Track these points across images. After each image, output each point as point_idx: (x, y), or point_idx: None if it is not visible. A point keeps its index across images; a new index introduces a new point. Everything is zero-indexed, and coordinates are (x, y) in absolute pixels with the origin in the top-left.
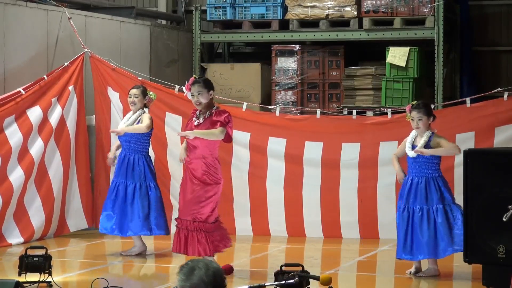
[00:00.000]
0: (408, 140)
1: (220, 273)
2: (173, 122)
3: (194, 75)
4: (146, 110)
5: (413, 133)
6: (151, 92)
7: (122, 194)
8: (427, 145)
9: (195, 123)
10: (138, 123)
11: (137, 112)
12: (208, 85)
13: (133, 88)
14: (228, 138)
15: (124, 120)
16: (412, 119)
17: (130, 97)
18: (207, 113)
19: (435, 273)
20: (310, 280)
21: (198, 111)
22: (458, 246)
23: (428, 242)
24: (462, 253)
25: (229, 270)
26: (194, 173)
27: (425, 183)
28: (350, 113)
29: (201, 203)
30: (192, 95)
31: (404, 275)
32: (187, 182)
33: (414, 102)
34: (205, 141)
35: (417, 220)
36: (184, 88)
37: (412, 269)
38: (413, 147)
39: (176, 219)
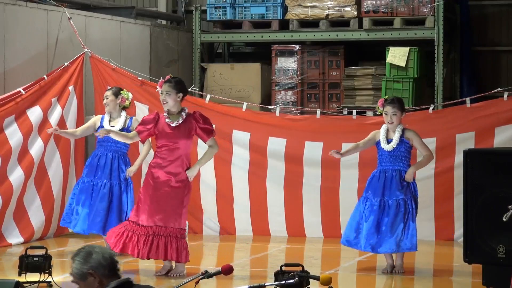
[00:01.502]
0: (381, 134)
1: (115, 257)
2: None
3: (170, 74)
4: (124, 112)
5: (384, 127)
6: (125, 92)
7: (108, 193)
8: (401, 139)
9: (173, 124)
10: (129, 126)
11: (122, 115)
12: (177, 87)
13: (107, 90)
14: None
15: (106, 121)
16: (386, 114)
17: (103, 99)
18: (183, 114)
19: (403, 269)
20: (310, 280)
21: (166, 112)
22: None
23: (405, 233)
24: (462, 252)
25: (229, 270)
26: (177, 176)
27: (399, 175)
28: (350, 113)
29: (183, 208)
30: (161, 93)
31: (404, 275)
32: (165, 188)
33: (387, 97)
34: (188, 141)
35: (393, 212)
36: (158, 85)
37: (389, 268)
38: (388, 141)
39: (152, 226)
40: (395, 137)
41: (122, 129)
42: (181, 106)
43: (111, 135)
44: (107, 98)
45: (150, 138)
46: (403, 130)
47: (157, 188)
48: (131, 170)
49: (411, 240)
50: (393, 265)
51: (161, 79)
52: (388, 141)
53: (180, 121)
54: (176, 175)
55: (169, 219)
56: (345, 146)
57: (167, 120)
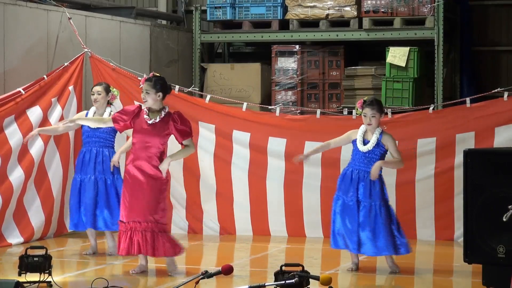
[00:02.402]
0: (359, 134)
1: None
2: None
3: (153, 72)
4: (113, 108)
5: (362, 127)
6: (114, 89)
7: (103, 189)
8: (377, 142)
9: (150, 122)
10: None
11: (106, 111)
12: (156, 86)
13: (96, 85)
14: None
15: (90, 115)
16: (365, 116)
17: (93, 94)
18: (162, 113)
19: (397, 269)
20: (310, 280)
21: (147, 108)
22: (397, 250)
23: (373, 238)
24: (462, 252)
25: (229, 270)
26: (149, 173)
27: (369, 178)
28: (350, 113)
29: (160, 203)
30: (142, 90)
31: (404, 274)
32: (139, 183)
33: (366, 98)
34: (162, 140)
35: (364, 214)
36: (141, 81)
37: (353, 266)
38: (365, 141)
39: (129, 222)
40: (372, 139)
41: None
42: (162, 105)
43: (84, 122)
44: (98, 94)
45: None
46: (381, 134)
47: (133, 184)
48: (114, 160)
49: (378, 245)
50: (357, 263)
51: (144, 76)
52: (365, 141)
53: (157, 119)
54: (148, 172)
55: (145, 214)
56: (345, 146)
57: (145, 116)
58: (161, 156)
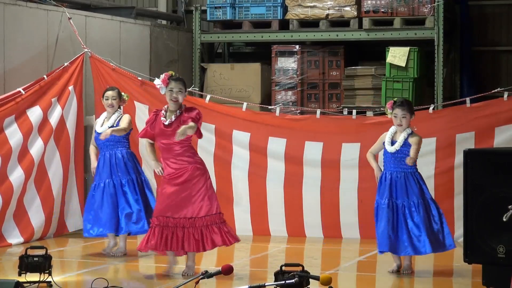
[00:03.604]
0: (387, 135)
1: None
2: None
3: (171, 71)
4: (121, 110)
5: (392, 129)
6: (124, 94)
7: (112, 192)
8: (405, 142)
9: (166, 123)
10: (118, 124)
11: (115, 114)
12: (185, 86)
13: (108, 90)
14: (199, 134)
15: (100, 121)
16: (395, 116)
17: (107, 99)
18: (178, 111)
19: (411, 270)
20: (310, 280)
21: (164, 110)
22: (442, 246)
23: (411, 238)
24: (462, 252)
25: (229, 270)
26: (182, 170)
27: (404, 178)
28: (350, 113)
29: (200, 196)
30: (170, 90)
31: (403, 275)
32: (173, 186)
33: (396, 99)
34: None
35: (402, 215)
36: (159, 80)
37: (394, 267)
38: (393, 142)
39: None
40: (400, 139)
41: (111, 126)
42: (182, 104)
43: (113, 133)
44: (114, 99)
45: None
46: (410, 134)
47: (168, 183)
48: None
49: (422, 243)
50: (400, 265)
51: (163, 76)
52: (393, 142)
53: (173, 118)
54: (181, 170)
55: (186, 212)
56: (345, 146)
57: (162, 118)
58: (190, 152)
